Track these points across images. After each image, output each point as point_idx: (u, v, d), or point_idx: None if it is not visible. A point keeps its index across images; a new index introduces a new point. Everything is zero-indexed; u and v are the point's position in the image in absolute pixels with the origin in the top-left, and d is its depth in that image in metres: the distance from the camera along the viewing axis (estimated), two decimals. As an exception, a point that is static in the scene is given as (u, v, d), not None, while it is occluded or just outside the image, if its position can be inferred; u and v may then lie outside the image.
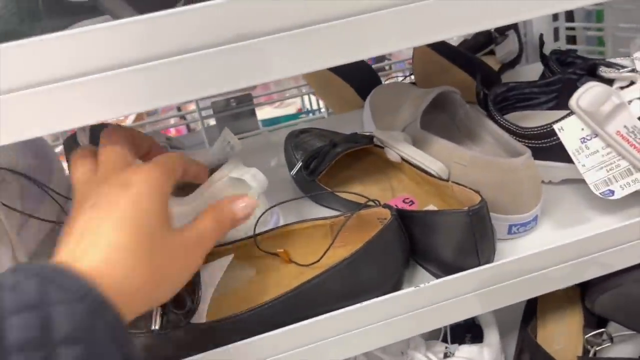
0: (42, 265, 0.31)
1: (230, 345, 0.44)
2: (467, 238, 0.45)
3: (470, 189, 0.48)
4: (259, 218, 0.50)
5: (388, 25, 0.38)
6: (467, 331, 0.70)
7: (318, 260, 0.49)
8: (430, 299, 0.48)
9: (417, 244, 0.50)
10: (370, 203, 0.49)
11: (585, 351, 0.66)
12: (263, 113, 1.77)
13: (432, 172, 0.54)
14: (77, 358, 0.27)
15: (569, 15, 0.98)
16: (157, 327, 0.44)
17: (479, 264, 0.47)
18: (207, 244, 0.39)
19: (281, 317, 0.46)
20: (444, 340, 0.62)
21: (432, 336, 0.65)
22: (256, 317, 0.45)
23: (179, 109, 1.53)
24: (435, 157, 0.55)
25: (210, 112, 0.85)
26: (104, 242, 0.33)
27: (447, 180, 0.52)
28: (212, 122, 0.88)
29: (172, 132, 1.32)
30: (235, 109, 0.83)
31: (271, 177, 0.69)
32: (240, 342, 0.44)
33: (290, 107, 1.66)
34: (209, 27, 0.35)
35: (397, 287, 0.48)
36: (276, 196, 0.56)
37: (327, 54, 0.38)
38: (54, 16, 0.39)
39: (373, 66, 0.89)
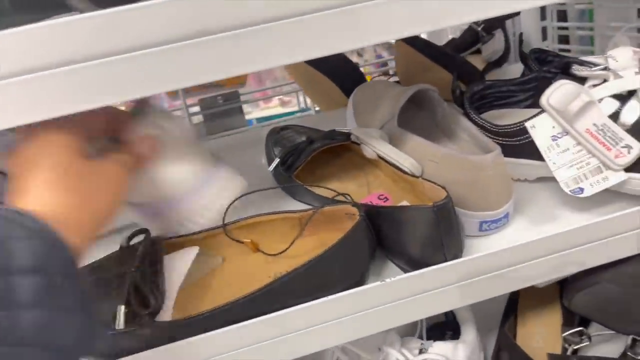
0: (4, 209, 0.35)
1: (197, 337, 0.45)
2: (432, 233, 0.46)
3: (438, 185, 0.48)
4: (228, 207, 0.51)
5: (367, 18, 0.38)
6: (448, 328, 0.70)
7: (286, 250, 0.49)
8: (397, 294, 0.48)
9: (386, 239, 0.50)
10: (339, 198, 0.49)
11: (564, 349, 0.66)
12: (263, 112, 1.78)
13: (405, 169, 0.54)
14: (38, 286, 0.31)
15: (561, 15, 0.98)
16: (121, 327, 0.45)
17: (445, 260, 0.47)
18: (124, 170, 0.44)
19: (247, 314, 0.46)
20: (420, 336, 0.63)
21: (408, 332, 0.65)
22: (222, 315, 0.46)
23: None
24: (410, 155, 0.55)
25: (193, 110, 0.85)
26: (34, 191, 0.37)
27: (419, 177, 0.52)
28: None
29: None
30: (223, 106, 0.84)
31: (254, 173, 0.71)
32: (207, 333, 0.45)
33: (294, 106, 1.67)
34: (175, 21, 0.36)
35: (361, 281, 0.49)
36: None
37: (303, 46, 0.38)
38: (21, 12, 0.40)
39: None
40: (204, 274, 0.52)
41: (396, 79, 0.81)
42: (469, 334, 0.63)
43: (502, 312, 0.73)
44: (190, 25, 0.36)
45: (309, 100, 1.38)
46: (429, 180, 0.50)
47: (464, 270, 0.48)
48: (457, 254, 0.48)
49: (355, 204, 0.49)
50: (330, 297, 0.47)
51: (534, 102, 0.62)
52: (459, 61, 0.71)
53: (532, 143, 0.54)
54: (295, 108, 1.62)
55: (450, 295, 0.50)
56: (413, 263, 0.48)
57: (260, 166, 0.73)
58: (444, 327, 0.71)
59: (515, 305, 0.72)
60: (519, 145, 0.55)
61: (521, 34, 0.68)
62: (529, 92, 0.61)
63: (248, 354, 0.47)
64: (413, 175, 0.53)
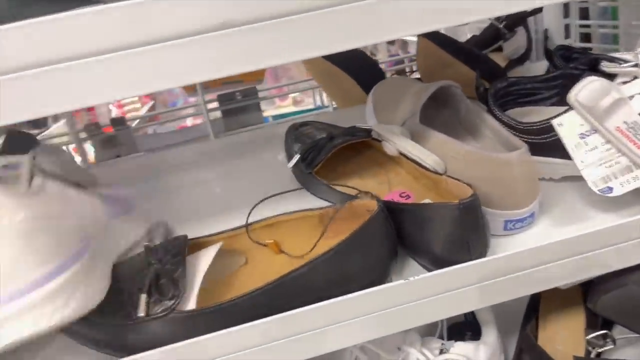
0: None
1: (213, 334, 0.44)
2: (458, 232, 0.45)
3: (463, 182, 0.47)
4: (253, 209, 0.50)
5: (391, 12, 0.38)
6: (467, 329, 0.69)
7: (309, 252, 0.49)
8: (420, 293, 0.47)
9: (409, 237, 0.49)
10: (360, 195, 0.49)
11: (587, 353, 0.65)
12: (278, 110, 1.78)
13: (428, 166, 0.53)
14: None
15: (583, 12, 0.96)
16: (142, 314, 0.44)
17: (470, 259, 0.46)
18: None
19: (265, 306, 0.46)
20: (441, 336, 0.62)
21: (429, 332, 0.64)
22: (240, 306, 0.45)
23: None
24: (432, 152, 0.54)
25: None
26: None
27: (442, 174, 0.51)
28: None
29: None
30: (241, 102, 0.84)
31: (272, 169, 0.71)
32: (224, 330, 0.44)
33: (308, 105, 1.67)
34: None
35: (383, 278, 0.48)
36: (275, 189, 0.56)
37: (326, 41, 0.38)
38: (44, 2, 0.39)
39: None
40: (228, 274, 0.52)
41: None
42: (490, 335, 0.62)
43: (521, 312, 0.71)
44: (214, 17, 0.36)
45: (325, 98, 1.38)
46: (453, 178, 0.49)
47: (489, 270, 0.47)
48: (482, 253, 0.47)
49: (374, 197, 0.48)
50: (351, 295, 0.46)
51: (559, 100, 0.60)
52: (481, 58, 0.70)
53: (558, 141, 0.52)
54: (310, 107, 1.62)
55: (474, 295, 0.49)
56: (437, 262, 0.47)
57: (277, 162, 0.72)
58: (462, 327, 0.69)
59: (537, 306, 0.71)
60: (545, 143, 0.54)
61: (546, 30, 0.67)
62: (554, 90, 0.60)
63: (266, 352, 0.47)
64: (436, 173, 0.52)
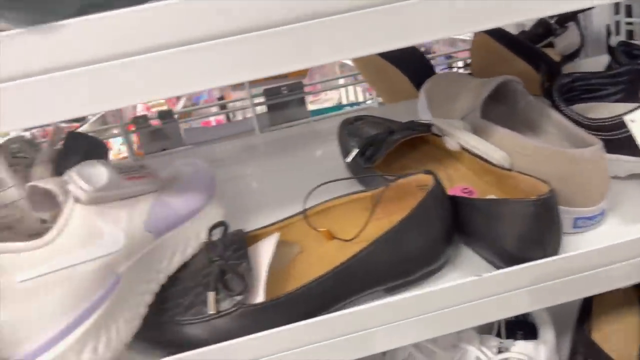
0: None
1: (271, 331, 0.44)
2: (533, 228, 0.44)
3: (537, 178, 0.47)
4: (309, 194, 0.49)
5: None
6: (518, 327, 0.68)
7: (358, 235, 0.48)
8: (492, 290, 0.46)
9: (478, 232, 0.48)
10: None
11: (644, 354, 0.64)
12: (311, 105, 1.77)
13: (494, 162, 0.52)
14: None
15: (627, 10, 0.94)
16: (212, 312, 0.44)
17: (544, 256, 0.45)
18: None
19: (331, 292, 0.46)
20: (498, 334, 0.61)
21: (482, 330, 0.63)
22: (309, 294, 0.45)
23: (220, 98, 1.54)
24: (496, 147, 0.53)
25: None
26: None
27: (511, 170, 0.50)
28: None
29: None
30: (287, 97, 0.83)
31: (319, 163, 0.71)
32: (282, 327, 0.44)
33: (327, 103, 1.66)
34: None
35: (440, 260, 0.48)
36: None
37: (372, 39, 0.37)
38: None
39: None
40: (285, 264, 0.51)
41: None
42: (548, 334, 0.61)
43: (569, 312, 0.70)
44: (265, 16, 0.35)
45: (360, 94, 1.37)
46: (524, 173, 0.48)
47: (561, 268, 0.46)
48: (556, 251, 0.47)
49: (427, 172, 0.48)
50: (417, 292, 0.46)
51: (624, 96, 0.59)
52: (538, 53, 0.69)
53: (628, 138, 0.51)
54: (332, 105, 1.61)
55: (544, 292, 0.48)
56: (508, 258, 0.47)
57: (323, 156, 0.72)
58: (513, 326, 0.69)
59: (590, 307, 0.70)
60: (615, 140, 0.53)
61: (608, 26, 0.66)
62: (620, 86, 0.59)
63: (325, 349, 0.47)
64: (503, 168, 0.51)
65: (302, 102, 0.85)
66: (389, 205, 0.49)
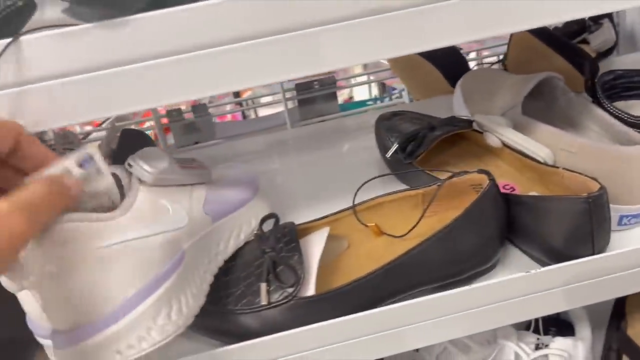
0: None
1: (320, 324, 0.44)
2: (584, 225, 0.44)
3: (586, 175, 0.47)
4: (360, 187, 0.50)
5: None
6: (550, 324, 0.69)
7: (410, 231, 0.49)
8: (537, 286, 0.47)
9: (524, 229, 0.49)
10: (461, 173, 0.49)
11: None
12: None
13: (539, 159, 0.53)
14: None
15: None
16: (264, 302, 0.45)
17: (593, 254, 0.46)
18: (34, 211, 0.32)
19: (381, 288, 0.46)
20: (535, 331, 0.61)
21: (518, 327, 0.63)
22: (359, 289, 0.46)
23: (236, 94, 1.54)
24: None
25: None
26: None
27: (558, 167, 0.50)
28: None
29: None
30: (319, 91, 0.84)
31: (355, 159, 0.71)
32: (331, 321, 0.44)
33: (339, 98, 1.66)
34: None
35: (492, 260, 0.48)
36: (367, 177, 0.55)
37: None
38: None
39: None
40: (332, 258, 0.52)
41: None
42: (585, 330, 0.61)
43: (600, 309, 0.70)
44: (305, 15, 0.36)
45: (374, 91, 1.37)
46: (571, 170, 0.49)
47: (609, 265, 0.47)
48: (604, 248, 0.47)
49: (483, 171, 0.48)
50: (464, 288, 0.46)
51: (667, 94, 0.59)
52: (576, 50, 0.69)
53: (674, 136, 0.51)
54: (341, 101, 1.60)
55: (589, 289, 0.48)
56: (555, 255, 0.47)
57: (356, 151, 0.72)
58: (546, 323, 0.69)
59: (624, 303, 0.70)
60: (659, 137, 0.53)
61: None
62: (662, 83, 0.59)
63: (370, 343, 0.47)
64: (549, 165, 0.52)
65: (333, 96, 0.85)
66: (439, 203, 0.50)
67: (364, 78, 1.30)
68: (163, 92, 0.37)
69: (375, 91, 1.41)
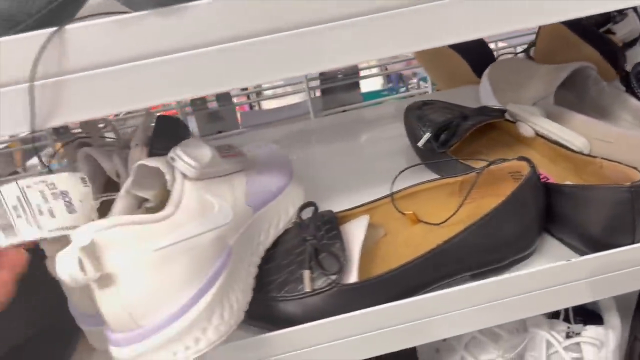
0: None
1: (354, 313, 0.44)
2: (626, 215, 0.44)
3: (627, 165, 0.47)
4: (396, 177, 0.50)
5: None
6: (576, 314, 0.69)
7: (449, 218, 0.49)
8: (575, 275, 0.47)
9: (563, 218, 0.49)
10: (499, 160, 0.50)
11: None
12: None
13: (574, 148, 0.53)
14: None
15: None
16: (308, 289, 0.45)
17: (633, 242, 0.46)
18: None
19: (422, 275, 0.46)
20: (565, 319, 0.61)
21: (546, 315, 0.64)
22: (402, 276, 0.46)
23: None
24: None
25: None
26: None
27: (596, 157, 0.50)
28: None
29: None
30: (342, 81, 0.84)
31: (384, 148, 0.71)
32: (369, 309, 0.44)
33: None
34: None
35: (532, 248, 0.49)
36: (393, 166, 0.55)
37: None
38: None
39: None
40: (370, 246, 0.52)
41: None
42: (614, 319, 0.61)
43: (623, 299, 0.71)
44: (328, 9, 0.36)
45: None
46: (610, 160, 0.49)
47: (647, 254, 0.47)
48: (643, 237, 0.47)
49: (523, 158, 0.48)
50: (503, 276, 0.46)
51: (700, 84, 0.59)
52: (605, 40, 0.69)
53: None
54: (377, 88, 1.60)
55: (626, 278, 0.48)
56: (593, 244, 0.47)
57: (380, 141, 0.72)
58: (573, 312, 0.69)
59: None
60: (695, 128, 0.53)
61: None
62: (696, 74, 0.59)
63: (409, 330, 0.47)
64: (585, 155, 0.52)
65: (356, 86, 0.86)
66: (476, 190, 0.50)
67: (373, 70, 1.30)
68: (204, 81, 0.37)
69: (381, 81, 1.41)
